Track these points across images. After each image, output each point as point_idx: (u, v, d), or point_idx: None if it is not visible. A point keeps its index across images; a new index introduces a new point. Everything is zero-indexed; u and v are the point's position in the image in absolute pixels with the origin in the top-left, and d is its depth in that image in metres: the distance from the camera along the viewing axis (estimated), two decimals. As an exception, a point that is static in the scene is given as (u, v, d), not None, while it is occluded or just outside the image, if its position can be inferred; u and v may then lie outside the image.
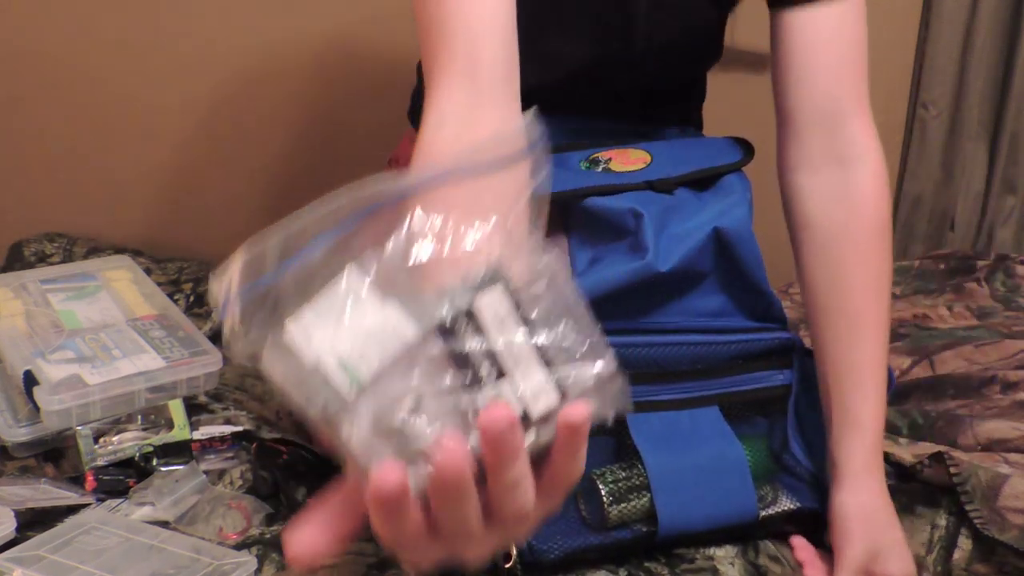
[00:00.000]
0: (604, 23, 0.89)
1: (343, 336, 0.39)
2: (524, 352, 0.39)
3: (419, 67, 1.04)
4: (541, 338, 0.40)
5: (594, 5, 0.88)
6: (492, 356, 0.39)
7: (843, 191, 0.83)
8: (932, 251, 1.92)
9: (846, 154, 0.83)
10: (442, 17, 0.71)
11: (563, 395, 0.40)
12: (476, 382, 0.39)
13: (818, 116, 0.83)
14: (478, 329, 0.39)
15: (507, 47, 0.72)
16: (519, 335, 0.39)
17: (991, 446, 0.95)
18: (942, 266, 1.58)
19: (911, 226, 2.07)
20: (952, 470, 0.87)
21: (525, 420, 0.39)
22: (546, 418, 0.40)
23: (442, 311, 0.39)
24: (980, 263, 1.54)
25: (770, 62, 0.85)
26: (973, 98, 1.96)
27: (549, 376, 0.40)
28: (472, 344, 0.39)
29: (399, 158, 1.11)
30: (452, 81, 0.69)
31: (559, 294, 0.41)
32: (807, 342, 1.38)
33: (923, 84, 1.96)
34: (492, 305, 0.39)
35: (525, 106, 0.89)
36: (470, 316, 0.39)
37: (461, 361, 0.39)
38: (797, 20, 0.82)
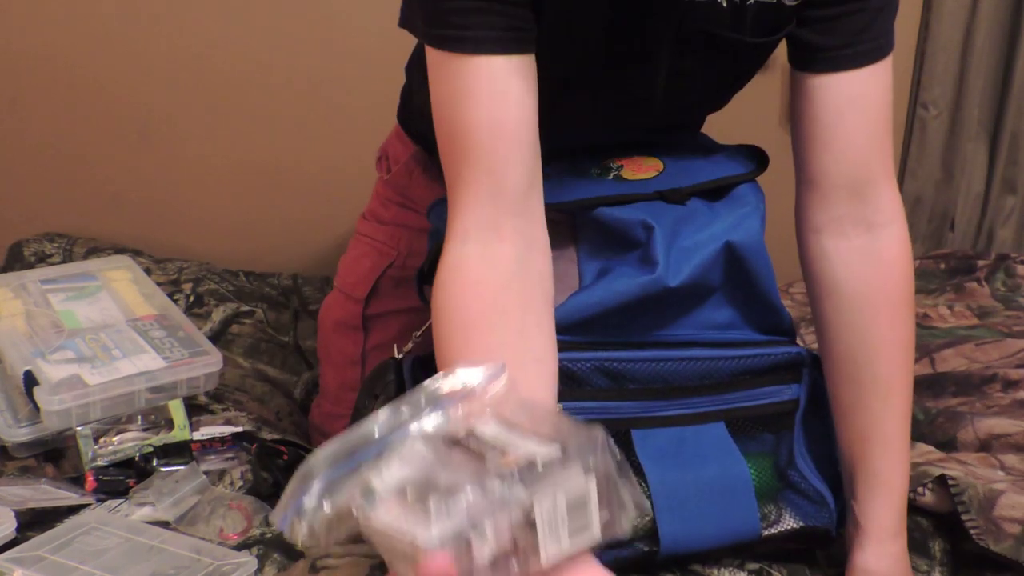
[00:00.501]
0: (626, 98, 0.86)
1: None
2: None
3: (408, 68, 1.04)
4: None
5: (615, 81, 0.84)
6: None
7: (873, 257, 0.81)
8: (932, 251, 1.93)
9: (875, 220, 0.81)
10: (466, 127, 0.70)
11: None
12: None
13: (845, 181, 0.80)
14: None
15: (531, 160, 0.72)
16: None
17: (990, 442, 0.95)
18: (942, 266, 1.59)
19: (911, 226, 2.04)
20: (950, 482, 0.87)
21: (531, 465, 0.49)
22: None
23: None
24: (980, 263, 1.54)
25: (791, 120, 0.83)
26: (973, 98, 1.96)
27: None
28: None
29: (387, 155, 1.11)
30: (476, 199, 0.70)
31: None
32: (807, 341, 1.38)
33: (923, 84, 1.96)
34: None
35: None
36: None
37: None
38: (825, 84, 0.79)
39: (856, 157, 0.80)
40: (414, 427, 0.51)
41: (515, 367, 0.60)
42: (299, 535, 0.48)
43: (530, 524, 0.47)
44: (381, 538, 0.47)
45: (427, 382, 0.54)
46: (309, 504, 0.47)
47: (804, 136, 0.81)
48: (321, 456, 0.50)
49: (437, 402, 0.52)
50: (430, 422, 0.51)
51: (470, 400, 0.53)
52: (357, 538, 0.47)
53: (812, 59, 0.80)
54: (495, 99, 0.70)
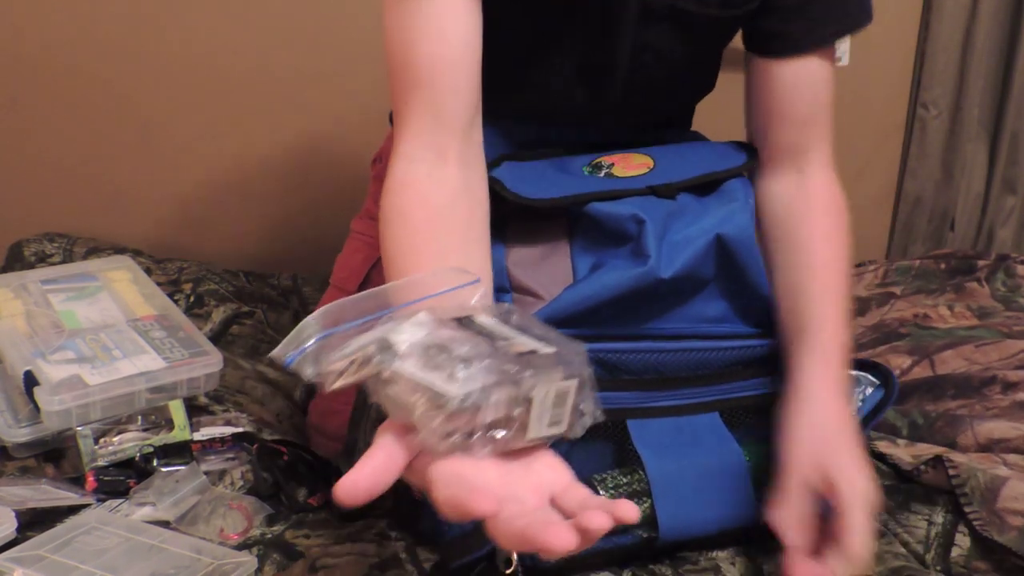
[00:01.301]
0: (589, 61, 0.90)
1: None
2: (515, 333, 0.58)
3: None
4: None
5: (578, 44, 0.89)
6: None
7: (803, 191, 0.91)
8: (932, 251, 1.92)
9: (806, 168, 0.92)
10: (411, 62, 0.78)
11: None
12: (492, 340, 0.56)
13: (788, 143, 0.92)
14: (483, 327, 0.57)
15: (472, 94, 0.79)
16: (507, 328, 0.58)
17: (991, 446, 0.95)
18: (942, 266, 1.58)
19: (911, 226, 2.07)
20: (951, 472, 0.87)
21: (532, 354, 0.55)
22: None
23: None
24: (980, 263, 1.54)
25: (745, 93, 0.94)
26: (973, 98, 1.96)
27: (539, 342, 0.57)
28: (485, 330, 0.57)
29: (382, 156, 1.12)
30: (421, 126, 0.78)
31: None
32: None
33: (923, 84, 1.96)
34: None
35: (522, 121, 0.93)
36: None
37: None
38: (783, 64, 0.89)
39: (801, 125, 0.91)
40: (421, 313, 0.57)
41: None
42: (306, 372, 0.55)
43: (525, 404, 0.54)
44: (401, 388, 0.53)
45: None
46: (315, 348, 0.55)
47: (758, 109, 0.92)
48: (319, 312, 0.57)
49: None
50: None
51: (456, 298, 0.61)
52: (358, 387, 0.56)
53: (771, 44, 0.89)
54: (440, 37, 0.77)
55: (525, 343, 0.57)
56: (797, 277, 0.86)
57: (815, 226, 0.89)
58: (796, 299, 0.85)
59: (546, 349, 0.56)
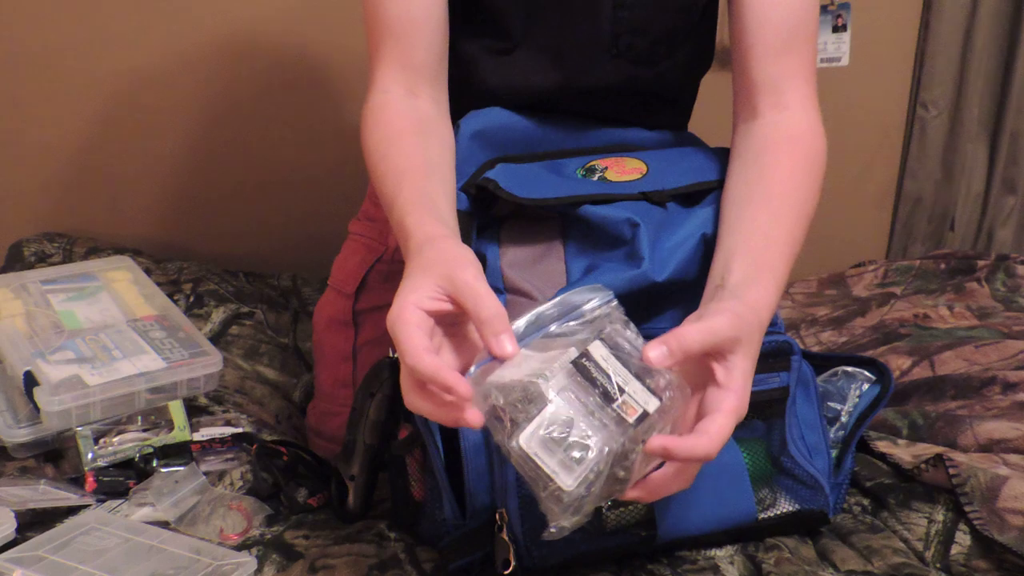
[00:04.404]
0: (571, 11, 0.92)
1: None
2: (629, 375, 0.62)
3: None
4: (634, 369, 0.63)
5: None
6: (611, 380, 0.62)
7: (778, 129, 0.88)
8: (932, 251, 1.93)
9: (783, 104, 0.88)
10: (378, 17, 0.89)
11: (659, 400, 0.62)
12: (608, 399, 0.61)
13: (764, 77, 0.89)
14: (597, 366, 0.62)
15: (437, 44, 0.91)
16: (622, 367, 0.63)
17: (991, 446, 0.95)
18: (942, 266, 1.58)
19: (911, 226, 2.07)
20: (952, 471, 0.87)
21: (644, 416, 0.61)
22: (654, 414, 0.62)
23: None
24: (980, 263, 1.54)
25: (729, 30, 0.92)
26: (973, 98, 1.96)
27: (647, 389, 0.62)
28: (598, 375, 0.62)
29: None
30: (391, 66, 0.89)
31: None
32: (807, 343, 1.38)
33: (923, 84, 1.96)
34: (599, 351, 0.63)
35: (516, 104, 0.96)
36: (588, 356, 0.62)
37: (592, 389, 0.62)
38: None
39: (777, 54, 0.89)
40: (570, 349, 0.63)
41: (427, 177, 0.79)
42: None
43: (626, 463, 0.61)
44: (523, 460, 0.59)
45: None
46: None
47: (735, 45, 0.91)
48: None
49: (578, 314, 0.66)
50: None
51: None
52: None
53: None
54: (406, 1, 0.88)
55: (636, 398, 0.61)
56: (752, 209, 0.81)
57: (780, 162, 0.84)
58: (742, 223, 0.80)
59: (653, 404, 0.61)
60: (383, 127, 0.86)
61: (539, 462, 0.58)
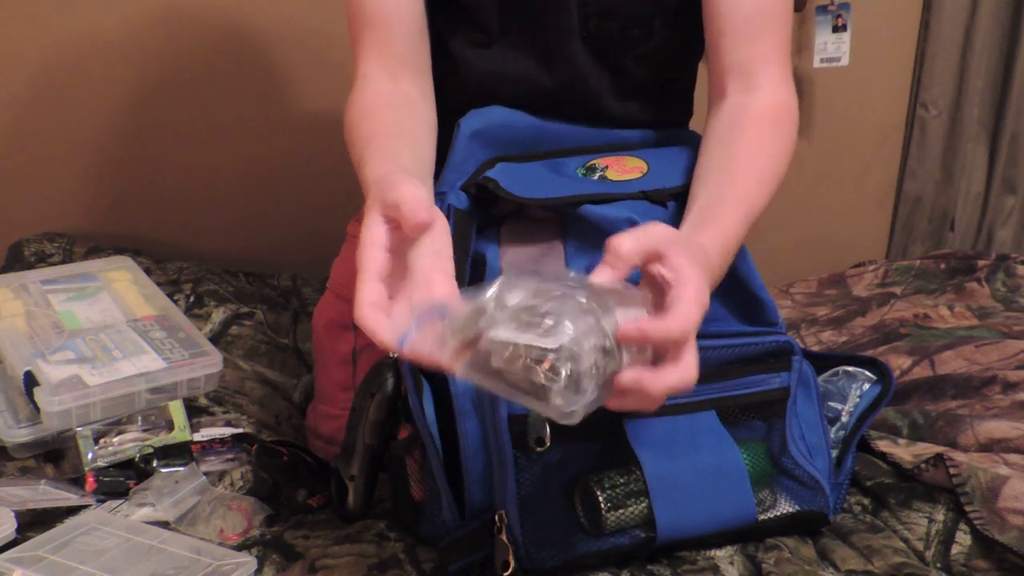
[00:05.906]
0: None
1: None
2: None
3: None
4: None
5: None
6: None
7: (747, 109, 0.89)
8: (932, 251, 1.93)
9: (755, 86, 0.89)
10: (360, 9, 0.93)
11: None
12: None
13: (734, 59, 0.90)
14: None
15: (416, 34, 0.94)
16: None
17: (991, 446, 0.95)
18: (942, 266, 1.58)
19: (911, 226, 2.07)
20: (952, 470, 0.87)
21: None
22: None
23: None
24: (980, 263, 1.54)
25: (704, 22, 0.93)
26: (973, 98, 1.96)
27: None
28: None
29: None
30: (372, 55, 0.93)
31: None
32: (807, 342, 1.38)
33: (923, 84, 1.96)
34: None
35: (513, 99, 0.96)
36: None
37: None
38: None
39: (747, 39, 0.90)
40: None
41: (395, 139, 0.82)
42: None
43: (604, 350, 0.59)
44: (502, 347, 0.58)
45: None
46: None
47: (708, 29, 0.92)
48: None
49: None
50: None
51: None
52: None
53: None
54: None
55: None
56: (711, 180, 0.83)
57: (745, 135, 0.86)
58: (698, 192, 0.82)
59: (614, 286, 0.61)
60: (360, 105, 0.89)
61: (520, 340, 0.57)
